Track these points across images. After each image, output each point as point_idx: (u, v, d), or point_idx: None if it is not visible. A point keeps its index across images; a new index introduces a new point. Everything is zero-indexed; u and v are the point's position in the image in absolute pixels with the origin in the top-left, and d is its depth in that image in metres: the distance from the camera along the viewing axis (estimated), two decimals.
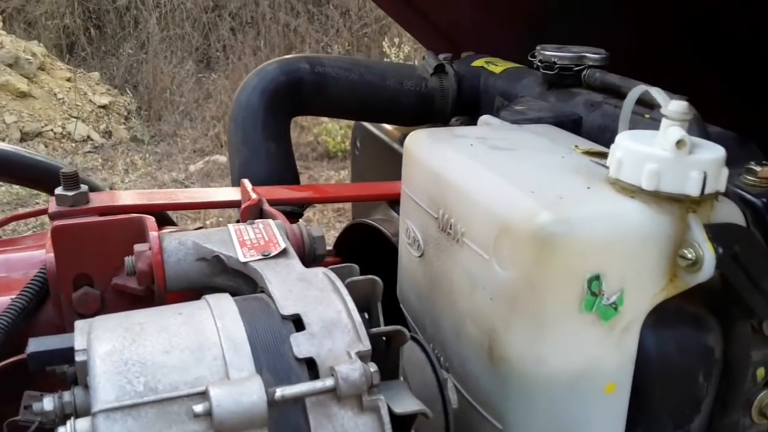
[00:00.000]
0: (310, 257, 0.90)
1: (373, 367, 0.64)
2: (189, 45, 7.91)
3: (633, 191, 0.73)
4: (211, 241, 0.85)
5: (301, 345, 0.66)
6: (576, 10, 1.55)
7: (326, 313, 0.69)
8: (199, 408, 0.59)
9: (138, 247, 0.85)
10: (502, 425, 0.77)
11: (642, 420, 0.79)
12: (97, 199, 1.03)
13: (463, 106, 1.46)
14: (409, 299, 1.00)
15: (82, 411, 0.64)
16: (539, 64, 1.24)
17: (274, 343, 0.67)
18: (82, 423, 0.61)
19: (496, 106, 1.37)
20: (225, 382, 0.62)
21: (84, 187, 1.02)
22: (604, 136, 1.08)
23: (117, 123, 6.88)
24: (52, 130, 6.34)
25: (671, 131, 0.71)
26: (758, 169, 0.84)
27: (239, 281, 0.84)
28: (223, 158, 5.89)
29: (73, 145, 6.35)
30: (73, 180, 1.01)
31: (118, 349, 0.65)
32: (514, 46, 1.45)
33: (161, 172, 5.94)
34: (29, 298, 0.94)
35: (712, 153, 0.72)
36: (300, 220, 1.29)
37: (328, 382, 0.63)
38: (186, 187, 5.59)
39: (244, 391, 0.60)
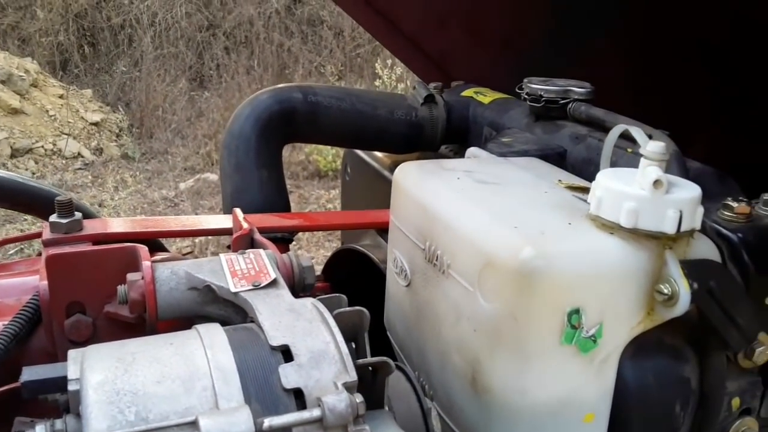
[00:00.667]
0: (299, 287, 0.92)
1: (359, 398, 0.66)
2: (183, 63, 7.95)
3: (612, 228, 0.75)
4: (203, 271, 0.87)
5: (289, 376, 0.68)
6: (568, 41, 1.59)
7: (314, 344, 0.71)
8: None
9: (131, 276, 0.87)
10: None
11: None
12: (91, 227, 1.05)
13: (453, 134, 1.49)
14: (396, 328, 1.02)
15: None
16: (526, 96, 1.27)
17: (263, 373, 0.69)
18: None
19: (484, 136, 1.40)
20: (214, 412, 0.63)
21: (78, 215, 1.04)
22: (588, 168, 1.11)
23: (108, 140, 6.90)
24: (42, 146, 6.35)
25: (649, 171, 0.73)
26: (735, 204, 0.87)
27: (230, 311, 0.86)
28: (213, 176, 5.90)
29: (64, 161, 6.35)
30: (67, 207, 1.03)
31: (110, 379, 0.66)
32: (503, 75, 1.48)
33: (151, 189, 5.94)
34: (22, 324, 0.95)
35: (689, 192, 0.75)
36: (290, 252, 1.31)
37: (315, 413, 0.64)
38: (176, 204, 5.60)
39: (232, 421, 0.62)
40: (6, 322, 0.95)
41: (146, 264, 0.87)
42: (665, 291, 0.73)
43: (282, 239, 1.29)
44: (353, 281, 1.25)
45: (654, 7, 1.45)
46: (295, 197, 5.42)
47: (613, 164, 0.92)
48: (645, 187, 0.73)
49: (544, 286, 0.72)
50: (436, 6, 1.80)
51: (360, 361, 0.71)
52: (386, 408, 0.74)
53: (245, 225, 0.98)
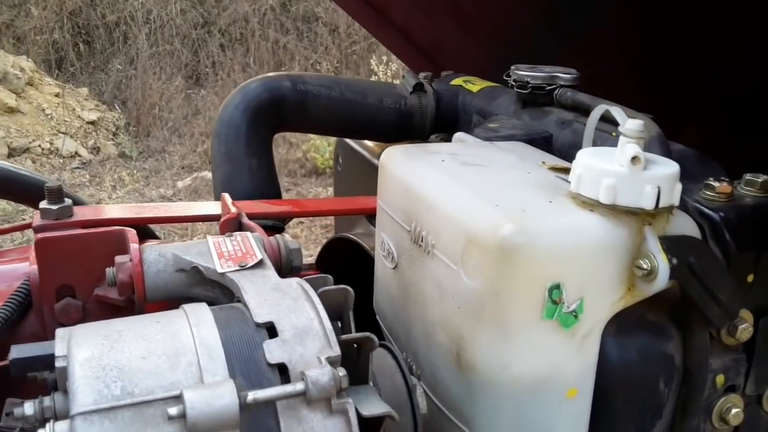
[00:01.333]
0: (287, 269, 0.93)
1: (341, 372, 0.67)
2: (178, 61, 7.95)
3: (592, 205, 0.76)
4: (190, 253, 0.88)
5: (273, 351, 0.69)
6: (557, 30, 1.60)
7: (298, 321, 0.72)
8: (173, 411, 0.62)
9: (119, 259, 0.88)
10: (469, 430, 0.80)
11: (605, 426, 0.82)
12: (81, 213, 1.06)
13: (442, 123, 1.50)
14: (384, 310, 1.03)
15: (62, 414, 0.66)
16: (514, 83, 1.28)
17: (247, 349, 0.70)
18: (61, 425, 0.63)
19: (473, 124, 1.41)
20: (199, 386, 0.64)
21: (68, 201, 1.04)
22: (573, 153, 1.11)
23: (105, 139, 6.90)
24: (39, 145, 6.35)
25: (627, 148, 0.74)
26: (716, 184, 0.88)
27: (217, 291, 0.87)
28: (211, 174, 5.90)
29: (61, 161, 6.36)
30: (57, 194, 1.04)
31: (96, 356, 0.67)
32: (493, 65, 1.49)
33: (149, 188, 5.95)
34: (12, 309, 0.96)
35: (666, 169, 0.76)
36: (286, 235, 1.32)
37: (299, 386, 0.66)
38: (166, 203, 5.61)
39: (217, 394, 0.63)
40: None
41: (134, 246, 0.88)
42: (644, 266, 0.74)
43: (273, 227, 1.30)
44: (347, 270, 1.26)
45: None
46: (293, 194, 5.43)
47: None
48: (623, 164, 0.74)
49: (525, 262, 0.73)
50: None
51: (344, 336, 0.72)
52: (371, 384, 0.75)
53: (233, 209, 0.99)
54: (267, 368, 0.69)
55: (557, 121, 1.19)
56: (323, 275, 0.83)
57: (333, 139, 5.93)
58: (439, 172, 0.90)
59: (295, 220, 4.20)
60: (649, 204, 0.74)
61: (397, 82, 1.56)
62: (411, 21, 1.85)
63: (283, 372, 0.69)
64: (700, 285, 0.79)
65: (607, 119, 0.94)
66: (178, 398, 0.63)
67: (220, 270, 0.83)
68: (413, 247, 0.90)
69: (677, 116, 1.23)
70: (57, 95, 6.97)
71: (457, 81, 1.52)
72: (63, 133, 6.56)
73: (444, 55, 1.88)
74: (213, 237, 0.91)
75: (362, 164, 1.64)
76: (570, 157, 1.04)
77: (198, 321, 0.72)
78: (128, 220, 1.08)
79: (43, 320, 0.96)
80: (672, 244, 0.75)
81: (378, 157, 1.59)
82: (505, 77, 1.30)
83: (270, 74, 1.44)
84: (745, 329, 0.84)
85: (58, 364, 0.68)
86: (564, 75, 1.23)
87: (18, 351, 0.73)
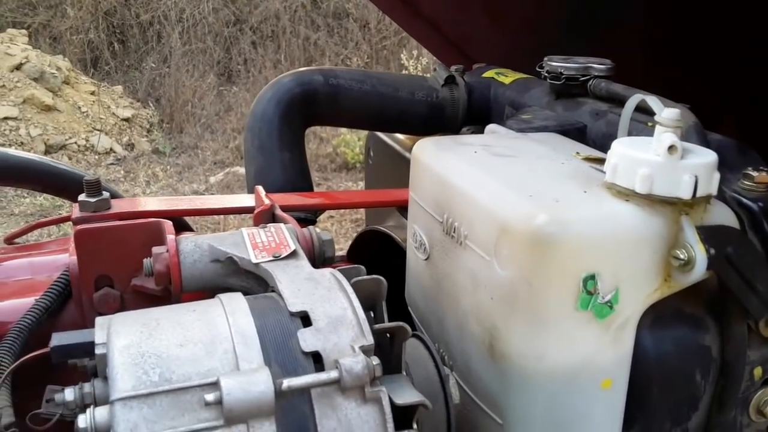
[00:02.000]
0: (320, 259, 0.94)
1: (375, 360, 0.67)
2: (211, 59, 8.03)
3: (627, 195, 0.75)
4: (225, 244, 0.89)
5: (307, 339, 0.70)
6: (586, 21, 1.58)
7: (332, 310, 0.73)
8: (210, 397, 0.63)
9: (156, 250, 0.89)
10: (502, 420, 0.80)
11: (640, 417, 0.82)
12: (118, 206, 1.08)
13: (474, 115, 1.50)
14: (416, 301, 1.03)
15: (101, 400, 0.68)
16: (547, 74, 1.27)
17: (282, 337, 0.71)
18: (101, 411, 0.65)
19: (505, 116, 1.40)
20: (235, 373, 0.65)
21: (106, 194, 1.06)
22: (608, 143, 1.10)
23: (139, 135, 7.00)
24: (75, 142, 6.47)
25: (664, 137, 0.74)
26: (755, 174, 0.86)
27: (251, 282, 0.88)
28: (243, 170, 5.94)
29: (96, 157, 6.47)
30: (95, 187, 1.06)
31: (135, 343, 0.68)
32: (524, 57, 1.48)
33: (182, 183, 6.03)
34: (53, 298, 0.98)
35: (704, 158, 0.75)
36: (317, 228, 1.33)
37: (333, 374, 0.66)
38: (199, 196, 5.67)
39: (253, 381, 0.64)
40: (38, 297, 0.98)
41: (170, 237, 0.89)
42: (681, 256, 0.73)
43: (305, 220, 1.30)
44: (378, 262, 1.26)
45: None
46: (323, 189, 5.45)
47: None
48: (660, 153, 0.73)
49: (559, 252, 0.73)
50: None
51: (377, 326, 0.73)
52: (404, 374, 0.75)
53: (267, 201, 1.00)
54: (301, 356, 0.70)
55: (591, 112, 1.17)
56: (356, 266, 0.83)
57: (363, 134, 5.93)
58: (471, 164, 0.90)
59: (325, 213, 4.21)
60: (686, 193, 0.73)
61: (428, 75, 1.56)
62: (442, 14, 1.84)
63: (317, 360, 0.70)
64: (738, 276, 0.78)
65: (643, 109, 0.93)
66: (214, 385, 0.64)
67: (254, 260, 0.84)
68: (446, 238, 0.90)
69: (713, 107, 1.21)
70: (92, 93, 7.09)
71: (488, 73, 1.51)
72: (98, 130, 6.67)
73: (475, 48, 1.87)
74: (247, 228, 0.92)
75: (393, 157, 1.64)
76: (605, 147, 1.03)
77: (233, 309, 0.73)
78: (164, 213, 1.10)
79: (82, 309, 0.98)
80: (709, 234, 0.74)
81: (409, 150, 1.59)
82: (538, 68, 1.29)
83: (302, 69, 1.45)
84: None
85: (98, 351, 0.69)
86: (598, 66, 1.22)
87: (59, 338, 0.74)
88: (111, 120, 6.92)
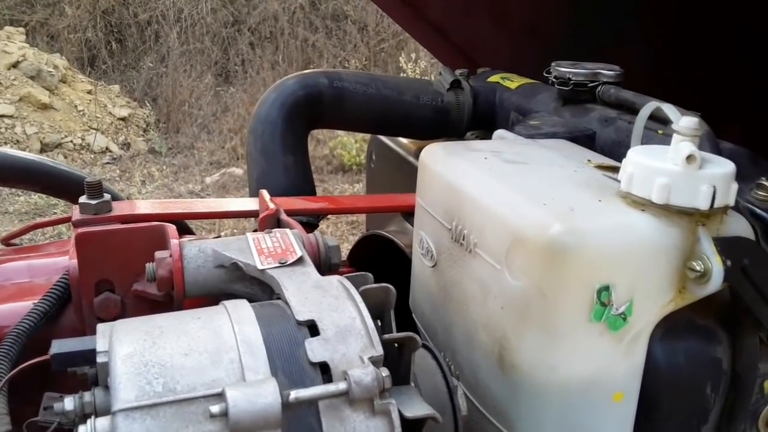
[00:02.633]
0: (325, 266, 0.92)
1: (385, 372, 0.65)
2: (208, 59, 8.00)
3: (643, 204, 0.74)
4: (230, 249, 0.87)
5: (315, 350, 0.68)
6: (591, 27, 1.57)
7: (340, 320, 0.71)
8: (215, 408, 0.61)
9: (159, 254, 0.87)
10: None
11: (649, 430, 0.80)
12: (119, 208, 1.06)
13: (479, 120, 1.48)
14: (422, 308, 1.01)
15: (102, 411, 0.66)
16: (554, 80, 1.25)
17: (289, 347, 0.69)
18: (102, 422, 0.63)
19: (511, 121, 1.39)
20: (241, 384, 0.64)
21: (107, 196, 1.05)
22: (617, 151, 1.10)
23: (135, 135, 6.97)
24: (71, 141, 6.43)
25: (682, 146, 0.72)
26: None
27: (256, 288, 0.86)
28: (239, 170, 5.94)
29: (92, 156, 6.44)
30: (96, 189, 1.04)
31: (138, 351, 0.67)
32: (529, 62, 1.47)
33: (178, 183, 6.00)
34: (51, 303, 0.96)
35: (722, 168, 0.73)
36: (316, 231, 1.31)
37: (341, 386, 0.64)
38: (202, 198, 5.64)
39: (259, 392, 0.62)
40: (36, 301, 0.96)
41: (174, 242, 0.87)
42: (697, 268, 0.72)
43: (307, 224, 1.29)
44: (378, 267, 1.25)
45: None
46: (319, 191, 5.42)
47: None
48: (678, 163, 0.72)
49: (573, 263, 0.71)
50: None
51: (386, 336, 0.71)
52: (412, 385, 0.74)
53: (272, 206, 0.99)
54: (309, 367, 0.68)
55: (600, 119, 1.16)
56: (363, 273, 0.81)
57: (360, 137, 5.92)
58: (482, 170, 0.88)
59: None
60: (704, 204, 0.71)
61: (433, 79, 1.54)
62: (447, 18, 1.83)
63: (324, 371, 0.68)
64: (752, 288, 0.77)
65: (654, 117, 0.91)
66: (220, 396, 0.62)
67: (260, 266, 0.83)
68: (454, 245, 0.89)
69: (719, 114, 1.20)
70: (89, 92, 7.06)
71: (494, 78, 1.50)
72: (94, 129, 6.64)
73: (479, 52, 1.86)
74: (252, 233, 0.90)
75: (396, 161, 1.62)
76: (613, 155, 1.02)
77: (239, 318, 0.71)
78: (166, 216, 1.08)
79: (81, 314, 0.96)
80: (726, 246, 0.73)
81: (412, 154, 1.58)
82: (545, 74, 1.28)
83: (306, 71, 1.44)
84: None
85: (100, 359, 0.68)
86: (607, 72, 1.21)
87: (59, 346, 0.72)
88: (107, 119, 6.89)
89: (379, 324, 0.77)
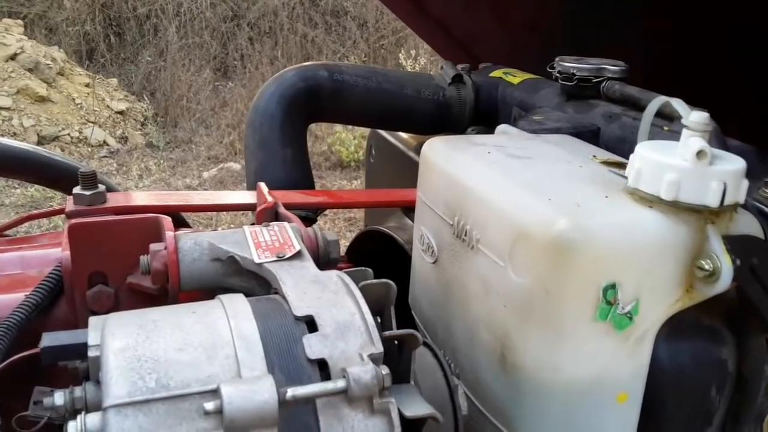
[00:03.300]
0: (324, 260, 0.90)
1: (384, 370, 0.64)
2: (207, 54, 7.97)
3: (651, 201, 0.72)
4: (227, 242, 0.85)
5: (313, 346, 0.66)
6: (594, 22, 1.55)
7: (339, 315, 0.69)
8: (210, 405, 0.59)
9: (154, 246, 0.85)
10: None
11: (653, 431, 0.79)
12: (114, 199, 1.04)
13: (481, 115, 1.46)
14: (422, 305, 0.99)
15: (93, 406, 0.64)
16: (558, 75, 1.24)
17: (286, 343, 0.67)
18: (93, 418, 0.61)
19: (513, 117, 1.37)
20: (237, 380, 0.62)
21: (101, 187, 1.03)
22: (622, 147, 1.08)
23: (133, 129, 6.94)
24: (69, 134, 6.40)
25: (692, 142, 0.70)
26: None
27: (253, 282, 0.84)
28: (236, 165, 5.92)
29: (90, 149, 6.40)
30: (91, 180, 1.02)
31: (131, 346, 0.65)
32: (532, 56, 1.45)
33: (175, 178, 5.97)
34: (43, 295, 0.94)
35: (733, 164, 0.72)
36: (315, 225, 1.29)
37: (340, 384, 0.62)
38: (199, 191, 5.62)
39: (255, 390, 0.60)
40: (28, 293, 0.94)
41: (169, 234, 0.85)
42: (706, 267, 0.70)
43: (306, 218, 1.27)
44: (377, 263, 1.23)
45: None
46: (317, 187, 5.40)
47: None
48: (687, 158, 0.70)
49: (579, 260, 0.69)
50: None
51: (386, 333, 0.69)
52: (412, 383, 0.72)
53: (270, 198, 0.97)
54: (306, 364, 0.66)
55: (604, 115, 1.14)
56: (363, 268, 0.79)
57: (358, 133, 5.90)
58: (485, 165, 0.86)
59: None
60: (714, 201, 0.69)
61: (435, 73, 1.52)
62: (448, 12, 1.81)
63: (322, 368, 0.66)
64: (761, 288, 0.75)
65: (660, 114, 0.89)
66: (214, 393, 0.60)
67: (257, 260, 0.81)
68: (456, 241, 0.87)
69: (720, 111, 1.18)
70: (87, 85, 7.02)
71: (496, 73, 1.48)
72: (92, 122, 6.61)
73: (480, 47, 1.84)
74: (249, 227, 0.88)
75: (396, 156, 1.60)
76: (618, 151, 1.00)
77: (235, 312, 0.69)
78: (161, 208, 1.06)
79: (74, 307, 0.94)
80: (735, 244, 0.71)
81: (412, 149, 1.56)
82: (548, 69, 1.26)
83: (306, 63, 1.42)
84: None
85: (91, 353, 0.66)
86: (611, 67, 1.19)
87: (50, 339, 0.70)
88: (105, 112, 6.86)
89: (379, 321, 0.75)
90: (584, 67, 1.19)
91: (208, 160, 6.34)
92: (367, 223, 1.80)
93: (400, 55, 7.21)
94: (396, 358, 0.71)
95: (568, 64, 1.21)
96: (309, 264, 0.80)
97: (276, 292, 0.77)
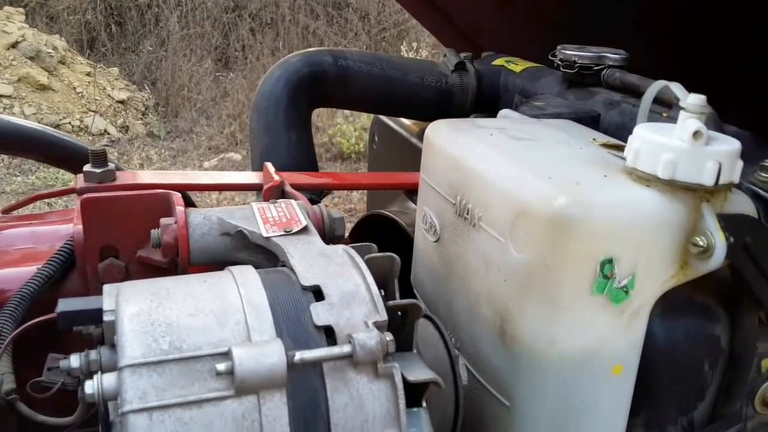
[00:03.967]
0: (329, 237, 0.93)
1: (388, 336, 0.66)
2: (208, 44, 7.97)
3: (649, 180, 0.75)
4: (235, 217, 0.87)
5: (320, 314, 0.69)
6: (596, 11, 1.57)
7: (345, 286, 0.72)
8: (221, 366, 0.61)
9: (164, 221, 0.88)
10: (510, 403, 0.79)
11: (647, 405, 0.81)
12: (123, 177, 1.06)
13: (483, 103, 1.48)
14: (423, 283, 1.02)
15: (108, 368, 0.66)
16: (559, 63, 1.26)
17: (294, 311, 0.70)
18: (109, 377, 0.63)
19: (515, 104, 1.39)
20: (247, 344, 0.64)
21: (111, 165, 1.05)
22: (622, 133, 1.10)
23: (134, 118, 6.95)
24: (70, 123, 6.41)
25: (689, 123, 0.73)
26: None
27: (260, 257, 0.86)
28: (237, 156, 5.93)
29: (90, 138, 6.41)
30: (101, 158, 1.04)
31: (145, 311, 0.67)
32: (534, 46, 1.47)
33: (176, 167, 5.98)
34: (56, 267, 0.97)
35: (728, 145, 0.74)
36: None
37: (346, 348, 0.65)
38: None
39: (265, 352, 0.62)
40: (41, 265, 0.97)
41: (179, 209, 0.87)
42: (701, 243, 0.73)
43: (310, 200, 1.29)
44: (380, 247, 1.25)
45: None
46: None
47: None
48: (684, 139, 0.72)
49: (578, 235, 0.72)
50: None
51: (390, 303, 0.72)
52: (415, 352, 0.74)
53: (276, 177, 0.99)
54: (313, 330, 0.68)
55: (604, 102, 1.17)
56: (368, 243, 0.82)
57: (359, 125, 5.88)
58: (487, 146, 0.88)
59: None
60: (709, 180, 0.72)
61: (438, 61, 1.54)
62: (452, 2, 1.82)
63: (329, 335, 0.68)
64: (754, 266, 0.77)
65: (659, 100, 0.92)
66: (226, 355, 0.63)
67: (265, 234, 0.83)
68: (458, 220, 0.89)
69: (719, 99, 1.20)
70: (88, 74, 7.02)
71: (499, 61, 1.50)
72: (93, 111, 6.61)
73: (483, 37, 1.86)
74: (257, 203, 0.91)
75: (399, 142, 1.62)
76: (617, 137, 1.02)
77: (245, 282, 0.71)
78: (169, 186, 1.08)
79: (85, 280, 0.96)
80: (729, 223, 0.74)
81: (415, 135, 1.58)
82: (550, 57, 1.28)
83: (311, 49, 1.44)
84: None
85: (106, 318, 0.68)
86: (612, 55, 1.21)
87: (65, 304, 0.73)
88: (106, 102, 6.86)
89: (383, 293, 0.78)
90: (585, 55, 1.21)
91: (208, 150, 6.35)
92: (370, 208, 1.82)
93: (402, 47, 7.22)
94: (399, 329, 0.74)
95: (569, 52, 1.23)
96: (315, 238, 0.82)
97: (283, 265, 0.79)
